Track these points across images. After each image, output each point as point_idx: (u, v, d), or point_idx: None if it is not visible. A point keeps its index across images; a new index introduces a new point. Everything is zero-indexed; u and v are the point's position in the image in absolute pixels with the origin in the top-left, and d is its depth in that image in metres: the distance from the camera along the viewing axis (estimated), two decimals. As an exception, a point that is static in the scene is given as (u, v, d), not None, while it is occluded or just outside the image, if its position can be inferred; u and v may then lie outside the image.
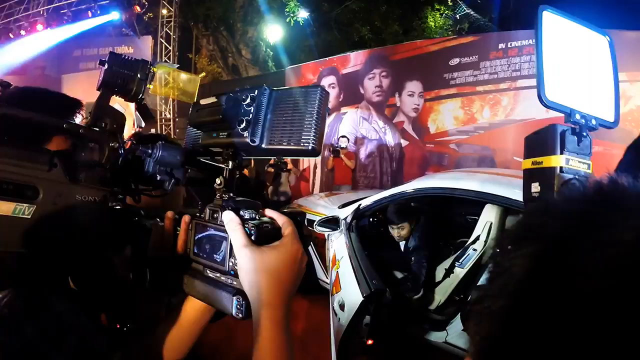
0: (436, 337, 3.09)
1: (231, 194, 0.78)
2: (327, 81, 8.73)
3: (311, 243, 4.51)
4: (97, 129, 0.82)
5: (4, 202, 0.67)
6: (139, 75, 0.89)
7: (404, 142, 7.58)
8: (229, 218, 0.71)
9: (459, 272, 3.20)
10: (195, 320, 0.85)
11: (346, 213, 3.67)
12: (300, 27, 13.75)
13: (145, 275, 0.84)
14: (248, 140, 0.75)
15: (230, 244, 0.71)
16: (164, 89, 0.99)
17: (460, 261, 3.25)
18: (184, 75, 1.01)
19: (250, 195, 0.81)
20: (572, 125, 0.95)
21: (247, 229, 0.71)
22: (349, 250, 2.87)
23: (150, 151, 0.79)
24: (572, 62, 1.03)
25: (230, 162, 0.81)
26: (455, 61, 6.94)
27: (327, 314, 2.98)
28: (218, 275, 0.75)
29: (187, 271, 0.80)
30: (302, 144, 0.72)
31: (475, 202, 3.22)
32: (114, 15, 12.79)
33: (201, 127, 0.87)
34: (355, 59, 8.42)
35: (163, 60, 12.35)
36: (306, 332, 3.87)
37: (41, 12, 12.84)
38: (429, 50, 7.42)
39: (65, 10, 12.84)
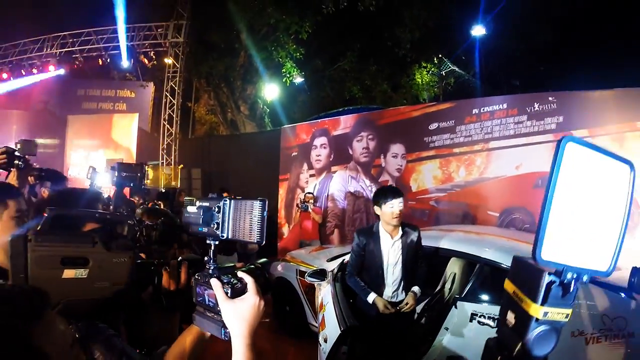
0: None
1: (215, 265, 1.18)
2: (320, 141, 9.14)
3: (302, 292, 5.04)
4: (119, 214, 1.39)
5: (69, 269, 1.04)
6: (138, 174, 1.48)
7: None
8: (214, 283, 1.10)
9: (428, 316, 3.76)
10: (197, 339, 1.26)
11: (333, 266, 4.27)
12: (296, 86, 14.40)
13: (162, 302, 1.34)
14: (219, 234, 1.15)
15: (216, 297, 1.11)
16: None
17: (430, 305, 3.81)
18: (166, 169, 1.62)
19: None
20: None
21: (225, 289, 1.09)
22: (333, 297, 3.43)
23: (155, 226, 1.38)
24: (587, 205, 0.90)
25: (213, 246, 1.19)
26: (434, 126, 7.41)
27: (313, 353, 3.52)
28: (212, 314, 1.15)
29: (195, 311, 1.21)
30: (251, 238, 1.09)
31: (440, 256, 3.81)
32: (125, 64, 13.47)
33: (189, 225, 1.25)
34: (345, 122, 8.86)
35: (167, 112, 12.99)
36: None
37: (54, 54, 13.40)
38: (410, 115, 7.91)
39: (77, 55, 13.41)
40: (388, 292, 3.35)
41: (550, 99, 6.47)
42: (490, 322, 3.03)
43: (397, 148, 7.96)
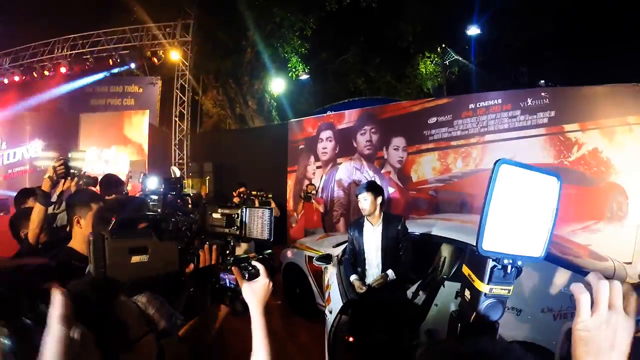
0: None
1: (234, 258, 1.55)
2: (325, 135, 9.56)
3: (312, 275, 5.56)
4: (164, 215, 1.81)
5: (135, 256, 1.44)
6: (178, 185, 1.99)
7: (390, 190, 8.31)
8: (235, 270, 1.45)
9: (422, 295, 4.25)
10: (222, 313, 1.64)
11: (337, 251, 4.79)
12: (302, 79, 14.61)
13: (200, 276, 1.72)
14: (239, 234, 1.56)
15: (236, 280, 1.45)
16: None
17: (423, 285, 4.29)
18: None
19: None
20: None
21: (243, 274, 1.44)
22: (337, 277, 3.95)
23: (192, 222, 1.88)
24: (517, 208, 1.13)
25: (231, 242, 1.61)
26: (433, 120, 7.80)
27: (323, 330, 4.03)
28: (232, 294, 1.53)
29: (219, 292, 1.59)
30: (263, 236, 1.53)
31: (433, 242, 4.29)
32: (135, 64, 13.76)
33: (214, 227, 1.67)
34: (349, 116, 9.24)
35: (177, 109, 13.40)
36: (306, 345, 4.91)
37: (65, 56, 13.56)
38: (411, 110, 8.29)
39: (88, 57, 13.56)
40: (373, 273, 3.86)
41: (542, 94, 6.84)
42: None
43: (398, 141, 8.37)
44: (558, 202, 1.19)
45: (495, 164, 1.06)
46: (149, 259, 1.44)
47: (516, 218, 1.14)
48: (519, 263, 1.18)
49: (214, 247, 1.76)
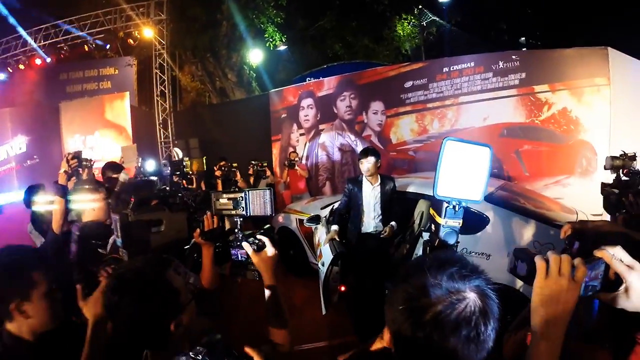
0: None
1: (242, 234, 1.82)
2: (306, 102, 9.75)
3: (303, 237, 5.94)
4: (171, 191, 2.13)
5: (155, 228, 1.74)
6: (182, 166, 2.36)
7: None
8: (245, 245, 1.70)
9: (404, 246, 4.65)
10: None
11: (325, 212, 5.20)
12: (279, 49, 14.80)
13: (206, 236, 1.97)
14: (244, 213, 1.82)
15: (247, 253, 1.69)
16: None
17: (404, 238, 4.69)
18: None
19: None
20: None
21: (252, 247, 1.67)
22: (327, 235, 4.35)
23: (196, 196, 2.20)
24: (462, 167, 1.66)
25: (239, 221, 1.86)
26: (409, 84, 8.04)
27: (316, 287, 4.42)
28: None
29: (232, 265, 1.86)
30: (266, 213, 1.80)
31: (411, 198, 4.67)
32: (110, 47, 13.69)
33: (222, 210, 1.94)
34: (328, 84, 9.42)
35: (158, 89, 13.41)
36: (301, 301, 5.30)
37: (40, 47, 13.38)
38: (388, 75, 8.50)
39: (62, 45, 13.44)
40: (369, 224, 4.46)
41: (513, 57, 7.08)
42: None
43: (377, 105, 8.62)
44: (490, 163, 1.73)
45: (443, 140, 1.64)
46: (164, 229, 1.80)
47: (460, 174, 1.68)
48: (464, 204, 1.73)
49: (215, 216, 2.08)
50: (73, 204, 2.43)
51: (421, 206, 4.68)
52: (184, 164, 2.43)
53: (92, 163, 3.42)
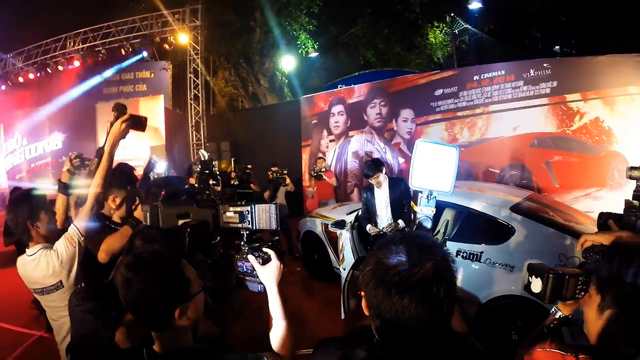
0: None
1: (248, 246, 1.77)
2: (337, 109, 9.87)
3: (328, 241, 6.01)
4: (202, 188, 2.27)
5: (181, 220, 1.89)
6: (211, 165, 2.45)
7: (400, 160, 8.71)
8: (250, 257, 1.67)
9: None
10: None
11: (350, 217, 5.27)
12: (311, 55, 14.87)
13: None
14: (251, 227, 1.79)
15: (253, 266, 1.67)
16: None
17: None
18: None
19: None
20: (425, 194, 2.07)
21: (258, 260, 1.65)
22: (350, 241, 4.43)
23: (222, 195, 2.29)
24: (433, 164, 2.07)
25: (245, 234, 1.82)
26: (439, 92, 8.05)
27: (339, 292, 4.51)
28: (250, 278, 1.74)
29: (237, 278, 1.81)
30: (271, 227, 1.75)
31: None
32: (146, 52, 13.83)
33: (229, 224, 1.88)
34: (359, 91, 9.52)
35: (192, 92, 13.77)
36: (323, 305, 5.38)
37: (77, 50, 13.84)
38: (418, 83, 8.53)
39: (100, 48, 13.78)
40: (383, 224, 4.75)
41: (545, 65, 7.01)
42: (470, 258, 3.94)
43: (406, 113, 8.68)
44: (457, 162, 2.12)
45: (415, 142, 2.10)
46: (193, 221, 1.90)
47: (432, 169, 2.06)
48: (435, 194, 2.07)
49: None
50: (74, 189, 2.60)
51: (446, 215, 4.68)
52: (213, 163, 2.55)
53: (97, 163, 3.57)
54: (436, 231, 4.91)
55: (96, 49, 13.89)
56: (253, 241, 1.86)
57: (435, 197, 2.10)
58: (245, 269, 1.78)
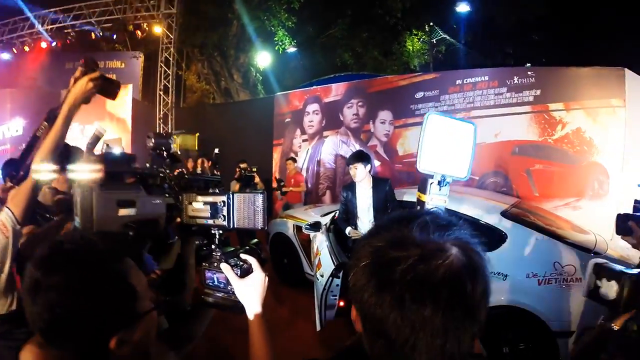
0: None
1: (221, 252, 1.32)
2: (312, 108, 9.53)
3: (300, 245, 5.61)
4: (155, 170, 1.60)
5: (125, 209, 1.28)
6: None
7: (377, 163, 8.37)
8: (224, 267, 1.23)
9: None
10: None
11: (326, 219, 4.87)
12: (288, 53, 14.40)
13: (188, 230, 1.46)
14: (225, 224, 1.28)
15: (227, 278, 1.24)
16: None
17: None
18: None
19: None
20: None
21: (235, 271, 1.23)
22: (327, 243, 4.04)
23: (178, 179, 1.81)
24: (446, 143, 1.70)
25: (217, 235, 1.34)
26: (420, 94, 7.81)
27: (310, 300, 4.11)
28: (222, 294, 1.31)
29: (204, 295, 1.36)
30: (256, 226, 1.26)
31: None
32: (118, 36, 13.51)
33: (196, 220, 1.39)
34: (336, 90, 9.23)
35: (162, 83, 13.25)
36: (293, 314, 4.97)
37: (47, 30, 13.29)
38: (398, 84, 8.27)
39: (69, 30, 13.31)
40: (364, 228, 4.27)
41: (529, 73, 6.89)
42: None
43: (385, 115, 8.38)
44: (475, 141, 1.79)
45: (426, 115, 1.67)
46: (137, 213, 1.37)
47: (445, 150, 1.68)
48: (448, 180, 1.70)
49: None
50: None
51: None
52: (172, 138, 2.02)
53: None
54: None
55: (65, 30, 13.32)
56: (225, 245, 1.38)
57: (449, 184, 1.71)
58: (216, 282, 1.34)
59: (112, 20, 13.03)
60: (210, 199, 1.33)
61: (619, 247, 3.60)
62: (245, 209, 1.28)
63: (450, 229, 0.71)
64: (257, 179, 6.92)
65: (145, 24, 13.15)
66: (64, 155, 2.08)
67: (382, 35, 15.62)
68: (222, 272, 1.26)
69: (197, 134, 11.63)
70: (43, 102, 12.90)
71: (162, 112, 13.26)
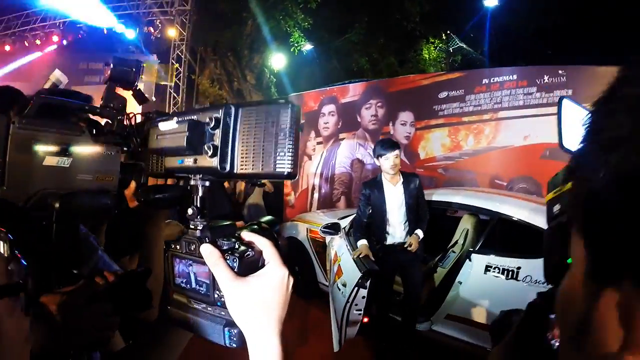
0: (422, 326, 3.72)
1: (205, 223, 0.72)
2: (328, 109, 9.13)
3: (314, 251, 5.11)
4: (108, 109, 1.13)
5: (53, 157, 0.93)
6: (134, 69, 1.33)
7: None
8: (208, 251, 0.66)
9: (441, 272, 3.87)
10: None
11: (345, 223, 4.38)
12: (303, 56, 14.29)
13: (148, 198, 1.06)
14: (217, 166, 0.67)
15: (213, 276, 0.66)
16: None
17: (442, 262, 3.92)
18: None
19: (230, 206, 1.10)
20: None
21: (228, 261, 0.66)
22: (348, 247, 3.56)
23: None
24: (575, 128, 1.57)
25: (200, 189, 0.73)
26: (443, 94, 7.38)
27: (325, 315, 3.61)
28: (204, 306, 0.72)
29: (171, 304, 0.77)
30: (277, 169, 0.64)
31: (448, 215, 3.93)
32: (129, 34, 13.15)
33: (163, 153, 0.81)
34: (353, 90, 8.83)
35: (173, 81, 12.99)
36: (306, 330, 4.44)
37: (57, 24, 13.19)
38: (420, 84, 7.87)
39: (82, 25, 13.15)
40: (395, 233, 3.66)
41: (560, 72, 6.45)
42: (502, 276, 3.14)
43: (406, 116, 7.95)
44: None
45: (560, 98, 1.46)
46: (71, 165, 0.97)
47: (575, 133, 1.27)
48: None
49: None
50: None
51: (466, 222, 3.94)
52: (142, 66, 1.34)
53: None
54: (453, 242, 4.15)
55: (78, 24, 13.13)
56: (216, 213, 0.80)
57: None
58: (192, 282, 0.73)
59: (125, 15, 12.79)
60: (193, 116, 0.71)
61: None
62: (260, 133, 0.65)
63: None
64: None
65: (158, 22, 12.87)
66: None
67: (399, 42, 15.41)
68: (204, 263, 0.67)
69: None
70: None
71: (171, 111, 12.95)
